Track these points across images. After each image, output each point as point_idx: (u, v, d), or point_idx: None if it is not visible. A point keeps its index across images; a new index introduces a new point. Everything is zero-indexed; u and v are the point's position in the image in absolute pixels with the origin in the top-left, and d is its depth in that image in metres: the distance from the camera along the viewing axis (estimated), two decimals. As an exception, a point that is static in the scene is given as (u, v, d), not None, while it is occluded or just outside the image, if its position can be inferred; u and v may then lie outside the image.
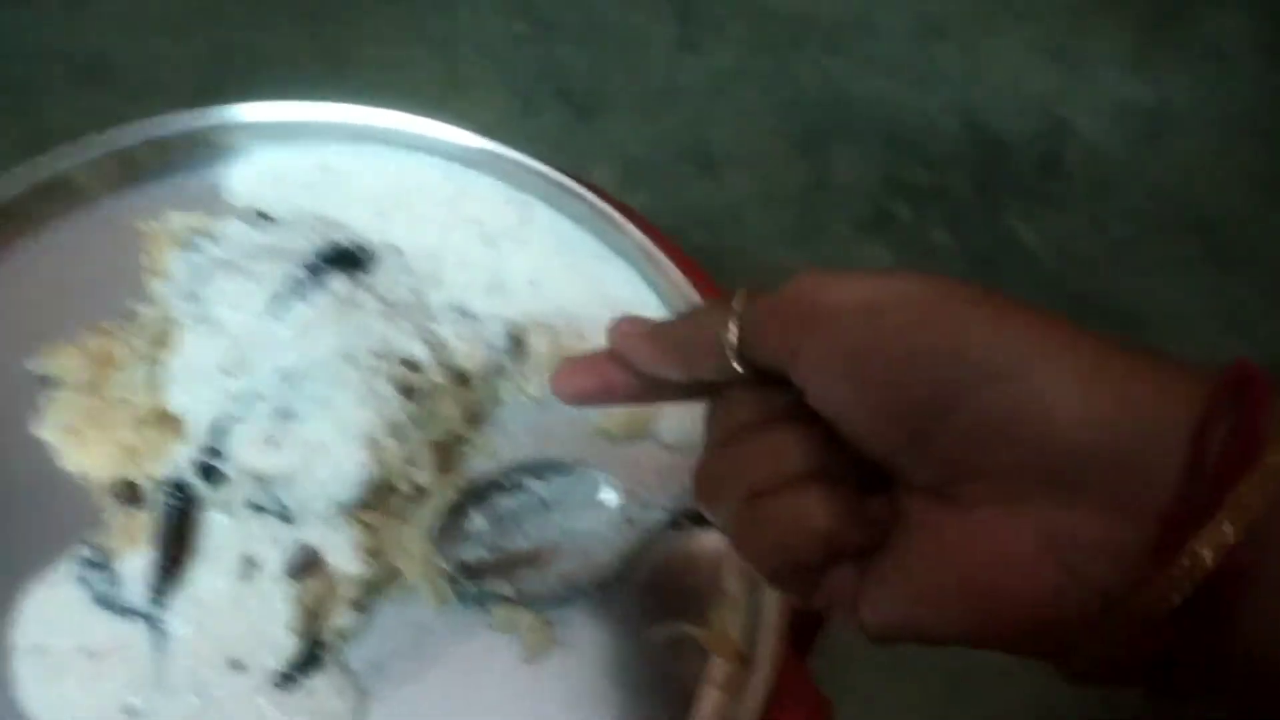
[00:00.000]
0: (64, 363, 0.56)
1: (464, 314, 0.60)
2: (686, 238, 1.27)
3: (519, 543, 0.55)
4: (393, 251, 0.61)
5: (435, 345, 0.57)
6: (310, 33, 1.32)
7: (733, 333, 0.36)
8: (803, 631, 0.59)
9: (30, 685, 0.51)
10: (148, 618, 0.52)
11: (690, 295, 0.61)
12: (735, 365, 0.36)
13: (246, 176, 0.64)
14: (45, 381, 0.57)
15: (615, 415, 0.60)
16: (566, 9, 1.38)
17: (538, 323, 0.60)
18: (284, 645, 0.51)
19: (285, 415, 0.52)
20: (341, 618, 0.53)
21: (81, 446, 0.55)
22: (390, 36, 1.34)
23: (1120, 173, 1.35)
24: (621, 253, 0.64)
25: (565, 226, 0.65)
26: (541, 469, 0.55)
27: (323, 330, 0.53)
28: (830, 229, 1.27)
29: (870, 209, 1.29)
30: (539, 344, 0.59)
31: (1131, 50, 1.44)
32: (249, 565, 0.52)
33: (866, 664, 1.04)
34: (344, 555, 0.52)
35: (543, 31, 1.36)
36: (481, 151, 0.64)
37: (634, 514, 0.53)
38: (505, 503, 0.55)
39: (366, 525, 0.53)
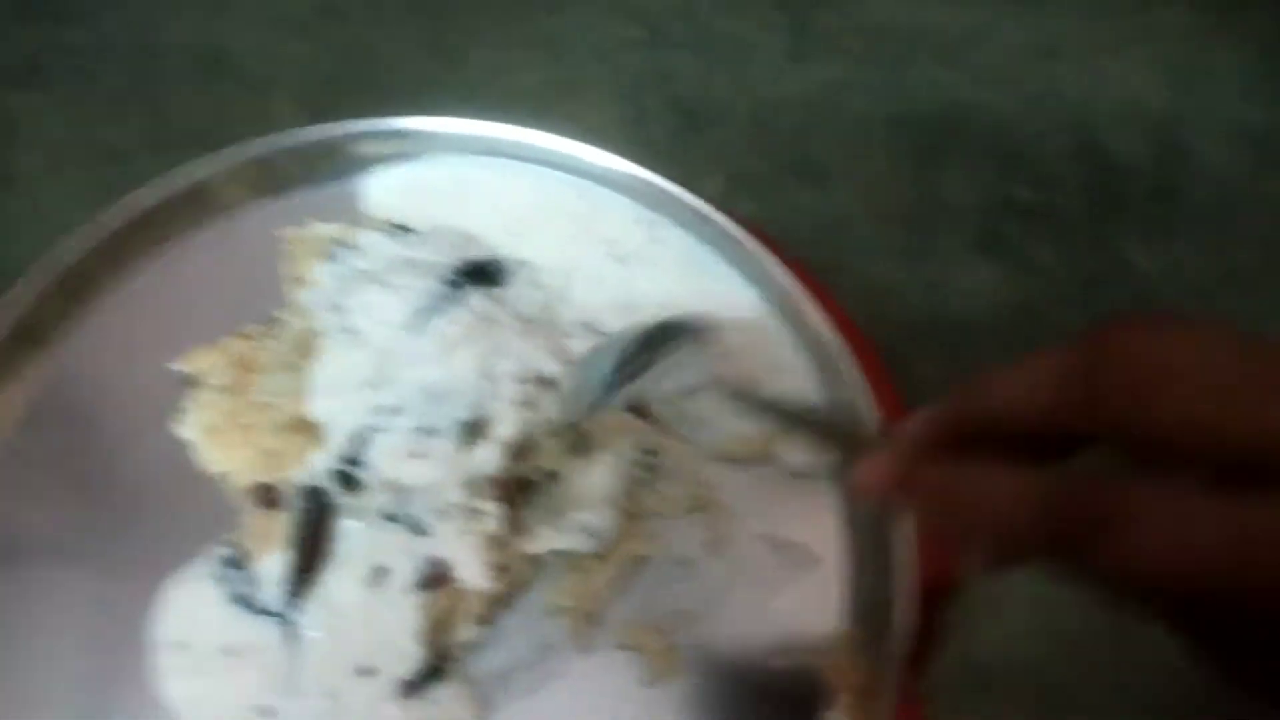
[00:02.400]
0: (206, 364, 0.58)
1: (594, 331, 0.61)
2: (793, 251, 1.27)
3: None
4: (524, 267, 0.62)
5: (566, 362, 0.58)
6: (425, 32, 1.33)
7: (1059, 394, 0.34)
8: (916, 666, 0.59)
9: (172, 680, 0.52)
10: (282, 619, 0.53)
11: (817, 321, 0.61)
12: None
13: (383, 187, 0.65)
14: (187, 382, 0.59)
15: (738, 438, 0.60)
16: (677, 16, 1.38)
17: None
18: (411, 655, 0.52)
19: (427, 430, 0.52)
20: (467, 631, 0.53)
21: (221, 447, 0.56)
22: (502, 38, 1.35)
23: (1239, 197, 1.31)
24: (750, 277, 0.64)
25: (695, 247, 0.65)
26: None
27: (463, 347, 0.53)
28: (938, 246, 1.26)
29: (979, 227, 1.27)
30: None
31: (1254, 70, 1.40)
32: (380, 574, 0.53)
33: (961, 690, 1.02)
34: (473, 569, 0.52)
35: (653, 37, 1.36)
36: (615, 171, 0.64)
37: None
38: None
39: (497, 540, 0.53)
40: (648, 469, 0.57)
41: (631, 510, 0.57)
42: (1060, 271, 1.27)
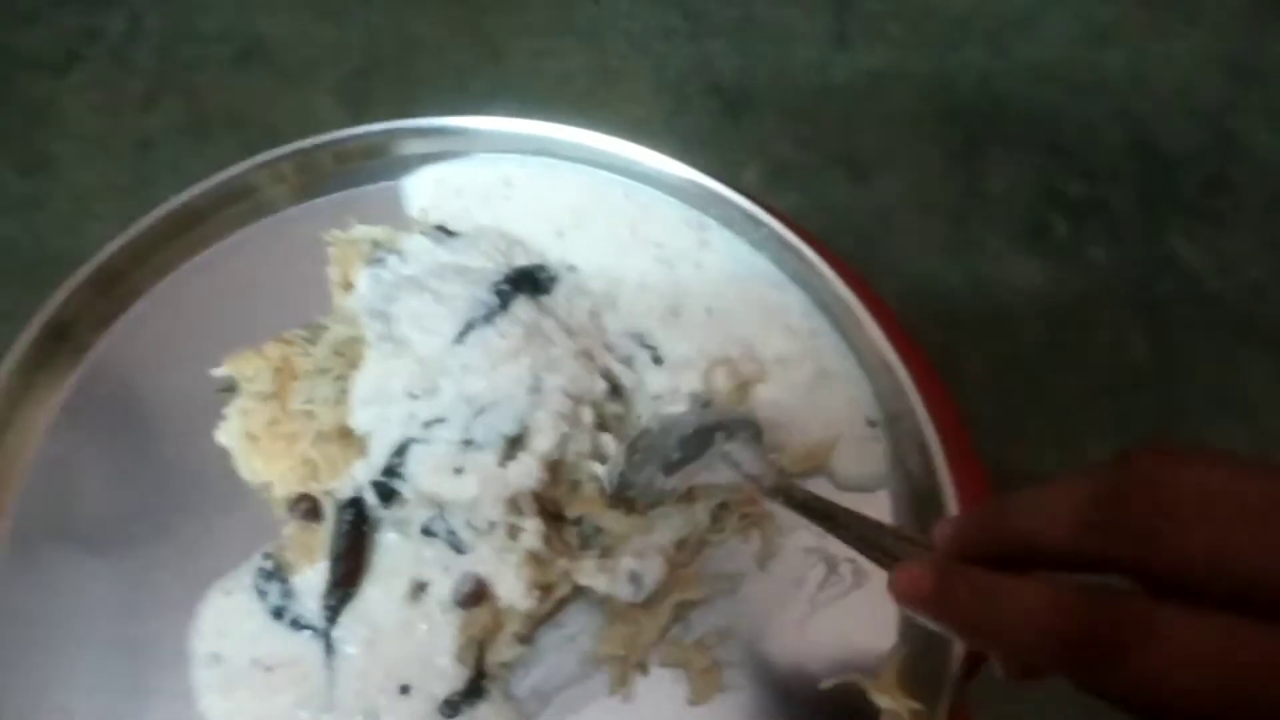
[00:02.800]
0: (245, 369, 0.57)
1: (642, 343, 0.59)
2: (835, 243, 1.25)
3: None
4: (572, 272, 0.61)
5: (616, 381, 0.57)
6: (462, 19, 1.31)
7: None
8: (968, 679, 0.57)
9: (210, 694, 0.52)
10: (320, 633, 0.52)
11: (868, 324, 0.59)
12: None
13: (427, 188, 0.64)
14: (228, 388, 0.58)
15: (789, 451, 0.58)
16: (719, 3, 1.36)
17: (716, 360, 0.59)
18: (450, 674, 0.51)
19: (469, 443, 0.51)
20: (508, 650, 0.52)
21: (261, 456, 0.55)
22: (541, 25, 1.33)
23: (1294, 191, 1.28)
24: (799, 280, 0.62)
25: (743, 250, 0.63)
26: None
27: (510, 360, 0.52)
28: (983, 240, 1.23)
29: (1026, 221, 1.25)
30: (718, 379, 0.58)
31: (1310, 60, 1.36)
32: (419, 590, 0.52)
33: (1001, 692, 1.00)
34: (513, 588, 0.51)
35: (694, 25, 1.34)
36: (663, 171, 0.62)
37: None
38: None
39: (538, 559, 0.52)
40: (710, 518, 0.56)
41: (683, 559, 0.55)
42: (1109, 266, 1.24)
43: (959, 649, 0.52)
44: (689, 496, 0.55)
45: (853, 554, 0.56)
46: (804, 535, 0.57)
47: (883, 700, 0.53)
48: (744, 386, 0.59)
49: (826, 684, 0.53)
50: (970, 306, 1.17)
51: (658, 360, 0.59)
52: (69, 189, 1.14)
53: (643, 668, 0.53)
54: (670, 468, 0.52)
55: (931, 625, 0.39)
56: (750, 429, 0.53)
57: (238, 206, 0.63)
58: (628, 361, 0.58)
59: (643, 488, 0.53)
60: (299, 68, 1.25)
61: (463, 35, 1.29)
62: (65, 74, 1.20)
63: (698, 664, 0.53)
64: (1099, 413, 1.15)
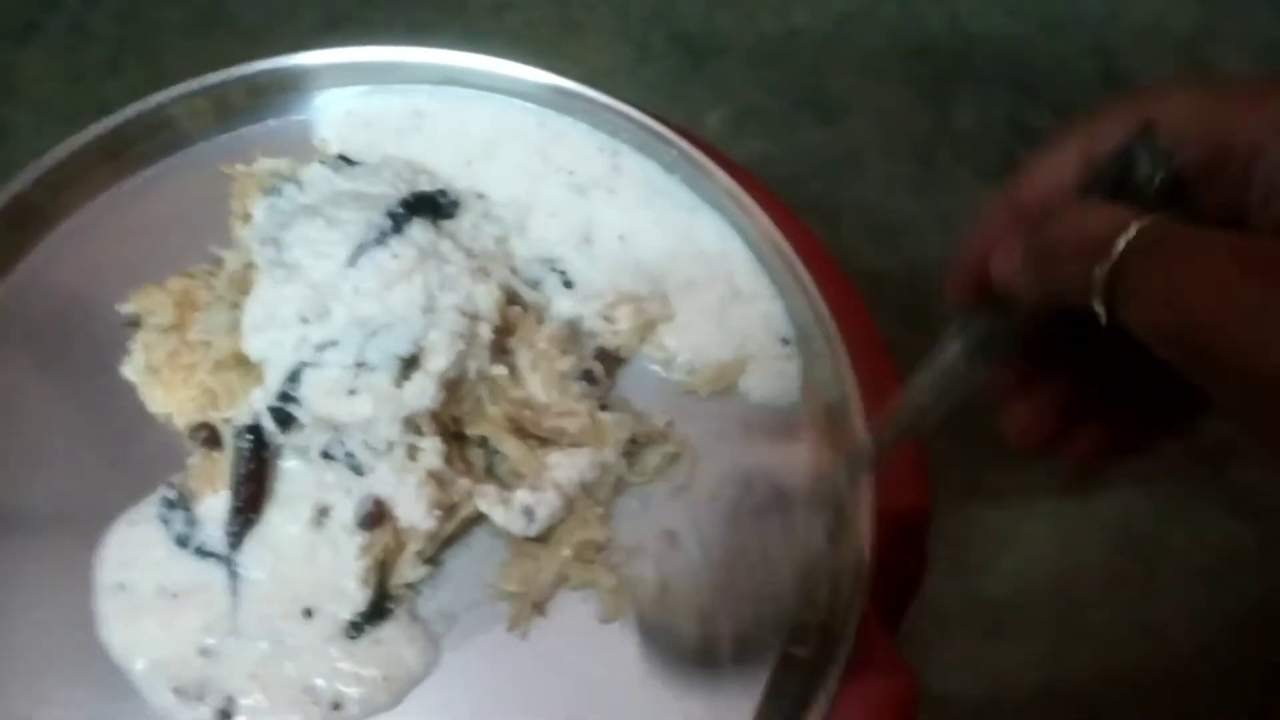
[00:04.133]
0: (148, 304, 0.57)
1: (552, 268, 0.59)
2: (803, 186, 1.24)
3: None
4: (478, 198, 0.60)
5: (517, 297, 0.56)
6: (426, -24, 1.30)
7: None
8: (892, 603, 0.57)
9: (112, 622, 0.52)
10: (224, 560, 0.52)
11: (780, 243, 0.58)
12: None
13: (337, 120, 0.64)
14: (133, 323, 0.58)
15: (700, 373, 0.58)
16: (683, -51, 1.34)
17: (622, 297, 0.58)
18: (354, 596, 0.51)
19: (362, 365, 0.51)
20: (410, 571, 0.52)
21: (163, 388, 0.55)
22: (503, -22, 1.32)
23: (1270, 120, 1.26)
24: (712, 201, 0.62)
25: (656, 174, 0.63)
26: None
27: (403, 281, 0.52)
28: (954, 177, 1.22)
29: (996, 156, 1.23)
30: (622, 317, 0.58)
31: (1286, -15, 1.34)
32: (321, 514, 0.52)
33: (966, 629, 1.00)
34: (413, 508, 0.51)
35: (658, -28, 1.32)
36: (574, 95, 0.62)
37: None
38: None
39: (438, 479, 0.52)
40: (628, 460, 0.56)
41: (595, 500, 0.55)
42: (1081, 201, 1.23)
43: (866, 556, 0.52)
44: (599, 437, 0.55)
45: (770, 470, 0.56)
46: (720, 461, 0.57)
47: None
48: (648, 325, 0.59)
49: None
50: (938, 243, 1.16)
51: (568, 284, 0.59)
52: (31, 158, 1.14)
53: (540, 609, 0.53)
54: None
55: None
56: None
57: (150, 141, 0.63)
58: (535, 284, 0.58)
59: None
60: (259, 29, 1.25)
61: (426, -8, 1.28)
62: (25, 43, 1.20)
63: (605, 582, 0.53)
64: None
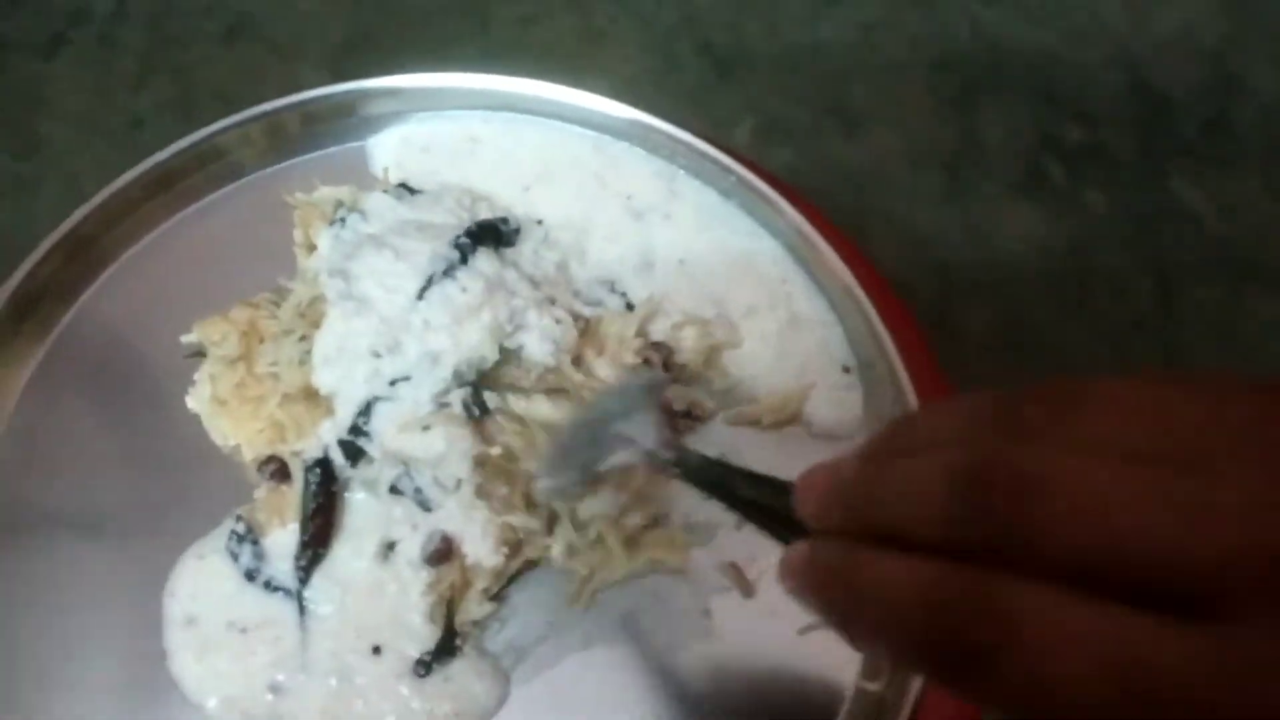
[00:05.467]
0: (212, 334, 0.57)
1: (614, 290, 0.59)
2: (829, 197, 1.23)
3: None
4: (536, 224, 0.60)
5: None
6: (450, -13, 1.30)
7: None
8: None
9: (183, 658, 0.52)
10: (293, 595, 0.52)
11: (840, 270, 0.58)
12: None
13: (393, 147, 0.64)
14: (197, 353, 0.58)
15: (763, 401, 0.58)
16: (707, -41, 1.34)
17: (688, 317, 0.58)
18: (421, 633, 0.51)
19: (433, 401, 0.51)
20: (477, 607, 0.52)
21: (230, 419, 0.55)
22: (528, -10, 1.32)
23: (1297, 130, 1.26)
24: (770, 227, 0.62)
25: (713, 199, 0.63)
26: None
27: (473, 315, 0.52)
28: (980, 189, 1.22)
29: (1022, 168, 1.23)
30: (687, 338, 0.57)
31: (1314, -3, 1.34)
32: (388, 549, 0.52)
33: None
34: (480, 545, 0.51)
35: (682, -18, 1.32)
36: (630, 123, 0.62)
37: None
38: None
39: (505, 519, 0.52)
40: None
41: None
42: (1109, 212, 1.22)
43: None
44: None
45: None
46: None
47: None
48: (715, 349, 0.59)
49: (804, 629, 0.53)
50: (967, 255, 1.16)
51: (630, 306, 0.59)
52: (62, 171, 1.14)
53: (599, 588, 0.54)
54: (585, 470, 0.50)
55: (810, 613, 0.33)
56: (649, 396, 0.49)
57: (206, 171, 0.63)
58: (598, 305, 0.58)
59: (561, 489, 0.52)
60: (287, 42, 1.24)
61: (450, 5, 1.28)
62: (53, 56, 1.19)
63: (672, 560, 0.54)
64: (1101, 359, 1.14)
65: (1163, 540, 0.24)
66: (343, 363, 0.52)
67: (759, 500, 0.40)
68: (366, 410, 0.52)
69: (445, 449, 0.50)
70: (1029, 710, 0.25)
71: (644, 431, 0.46)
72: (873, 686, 0.52)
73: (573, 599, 0.53)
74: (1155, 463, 0.25)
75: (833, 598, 0.30)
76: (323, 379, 0.52)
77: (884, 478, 0.30)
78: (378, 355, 0.52)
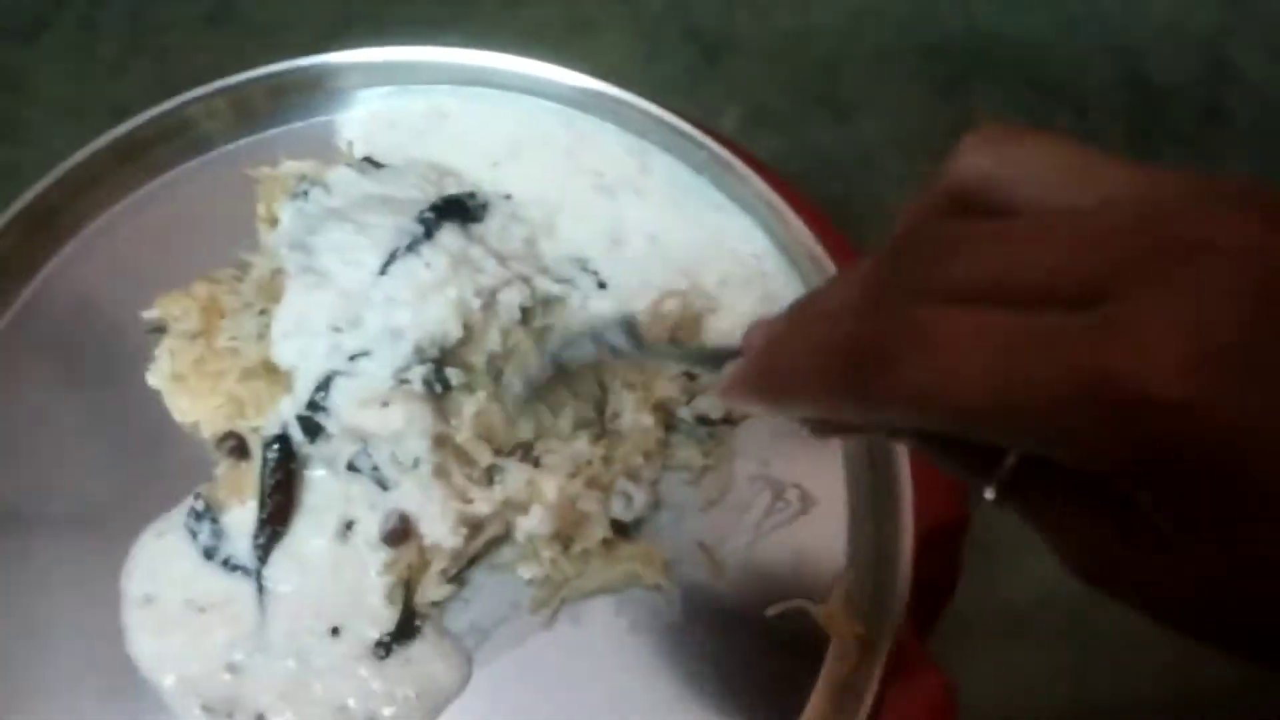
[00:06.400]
0: (173, 309, 0.56)
1: (584, 268, 0.58)
2: (818, 185, 1.22)
3: None
4: (507, 201, 0.59)
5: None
6: (435, -27, 1.29)
7: None
8: (925, 611, 0.56)
9: (140, 635, 0.51)
10: (251, 574, 0.51)
11: (813, 247, 0.57)
12: None
13: (361, 122, 0.63)
14: (158, 329, 0.57)
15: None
16: (695, -55, 1.33)
17: (667, 291, 0.57)
18: (380, 614, 0.50)
19: (394, 377, 0.50)
20: (435, 589, 0.51)
21: (189, 396, 0.54)
22: (515, -25, 1.31)
23: (1289, 120, 1.25)
24: (742, 202, 0.61)
25: (685, 175, 0.62)
26: None
27: (436, 290, 0.51)
28: (969, 177, 1.20)
29: (1013, 157, 1.22)
30: (670, 310, 0.56)
31: (1308, -17, 1.33)
32: (346, 528, 0.51)
33: (992, 634, 0.99)
34: (439, 525, 0.50)
35: (671, -32, 1.31)
36: (600, 96, 0.61)
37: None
38: None
39: (464, 496, 0.51)
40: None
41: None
42: (1100, 201, 1.22)
43: (905, 571, 0.51)
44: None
45: (799, 478, 0.55)
46: (750, 463, 0.56)
47: (829, 626, 0.52)
48: (695, 319, 0.58)
49: (773, 610, 0.52)
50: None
51: (601, 284, 0.58)
52: (43, 157, 1.13)
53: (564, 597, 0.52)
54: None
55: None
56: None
57: (171, 144, 0.62)
58: (568, 283, 0.57)
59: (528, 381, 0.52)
60: (270, 26, 1.23)
61: (436, -11, 1.27)
62: (34, 41, 1.18)
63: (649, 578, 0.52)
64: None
65: (1049, 266, 0.25)
66: (302, 337, 0.51)
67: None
68: (325, 385, 0.51)
69: (404, 426, 0.49)
70: (928, 407, 0.25)
71: (614, 332, 0.47)
72: (841, 669, 0.51)
73: (539, 605, 0.52)
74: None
75: (765, 368, 0.31)
76: (281, 353, 0.51)
77: (791, 347, 0.30)
78: (338, 330, 0.51)
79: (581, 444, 0.51)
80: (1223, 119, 1.26)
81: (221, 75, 1.01)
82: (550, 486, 0.50)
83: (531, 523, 0.50)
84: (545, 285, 0.56)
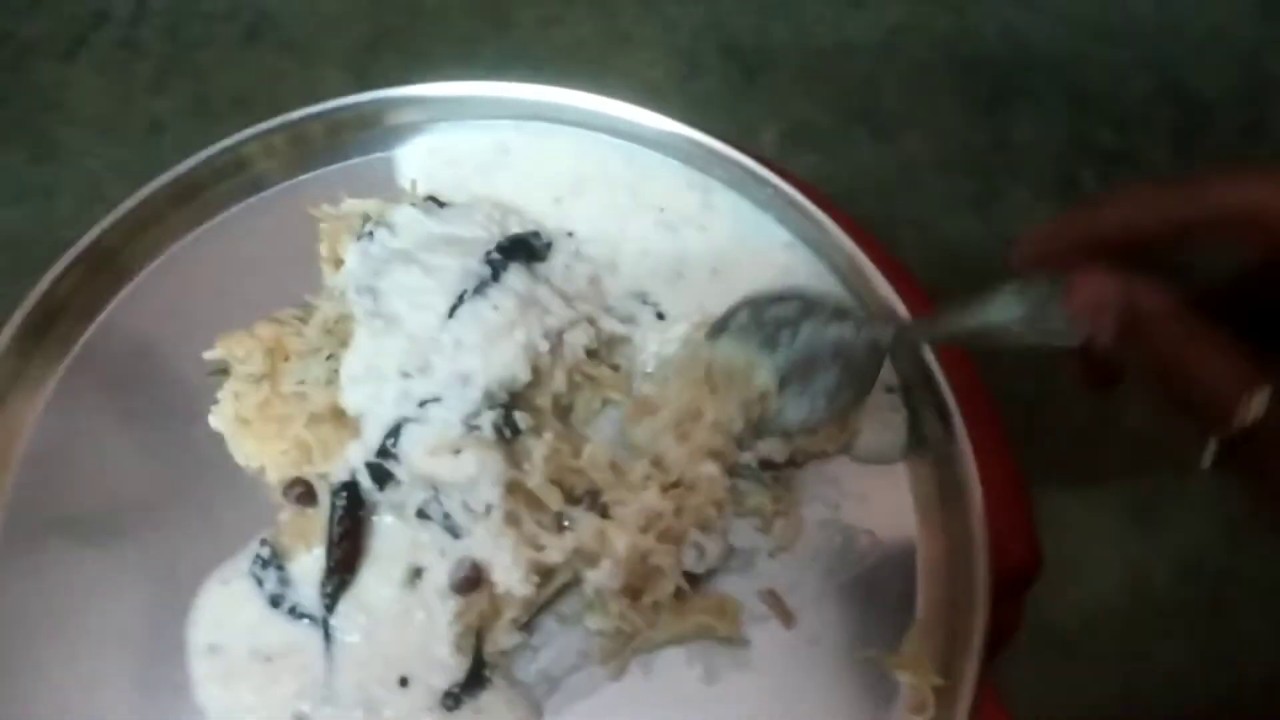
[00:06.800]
0: (236, 351, 0.55)
1: (646, 301, 0.57)
2: (857, 204, 1.21)
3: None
4: (567, 237, 0.58)
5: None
6: (470, -11, 1.29)
7: None
8: (990, 655, 0.55)
9: (207, 686, 0.50)
10: (318, 622, 0.51)
11: (881, 286, 0.57)
12: None
13: (421, 158, 0.62)
14: (221, 371, 0.56)
15: (821, 430, 0.56)
16: (732, -40, 1.32)
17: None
18: (449, 664, 0.50)
19: (463, 423, 0.49)
20: (506, 637, 0.50)
21: (254, 440, 0.54)
22: (550, -8, 1.30)
23: (1334, 135, 1.24)
24: (807, 239, 0.60)
25: (748, 211, 0.61)
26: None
27: (505, 333, 0.50)
28: (1010, 195, 1.20)
29: (1054, 174, 1.21)
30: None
31: (1350, -5, 1.31)
32: (415, 575, 0.50)
33: (1035, 660, 0.98)
34: (510, 574, 0.49)
35: (707, -16, 1.30)
36: (664, 133, 0.60)
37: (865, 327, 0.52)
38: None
39: (535, 544, 0.50)
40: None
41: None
42: (1143, 218, 1.20)
43: (982, 620, 0.50)
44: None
45: (871, 524, 0.54)
46: (820, 509, 0.55)
47: (904, 676, 0.51)
48: None
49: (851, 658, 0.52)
50: (999, 262, 1.14)
51: (660, 316, 0.57)
52: (80, 175, 1.13)
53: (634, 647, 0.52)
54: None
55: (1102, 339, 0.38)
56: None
57: (229, 182, 0.61)
58: (630, 320, 0.56)
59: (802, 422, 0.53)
60: (306, 43, 1.23)
61: (471, 5, 1.27)
62: (73, 59, 1.18)
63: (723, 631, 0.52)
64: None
65: None
66: (371, 383, 0.50)
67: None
68: (395, 432, 0.50)
69: (476, 473, 0.49)
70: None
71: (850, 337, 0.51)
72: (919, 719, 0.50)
73: (608, 656, 0.51)
74: None
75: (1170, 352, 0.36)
76: (350, 399, 0.51)
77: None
78: (407, 375, 0.50)
79: (651, 494, 0.50)
80: (1265, 132, 1.25)
81: (259, 94, 1.00)
82: (621, 540, 0.49)
83: (601, 576, 0.49)
84: (610, 325, 0.55)
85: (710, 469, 0.52)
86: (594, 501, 0.52)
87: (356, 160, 0.63)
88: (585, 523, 0.50)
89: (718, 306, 0.57)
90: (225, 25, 1.22)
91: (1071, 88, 1.26)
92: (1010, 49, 1.28)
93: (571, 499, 0.52)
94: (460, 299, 0.51)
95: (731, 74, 1.25)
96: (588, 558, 0.50)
